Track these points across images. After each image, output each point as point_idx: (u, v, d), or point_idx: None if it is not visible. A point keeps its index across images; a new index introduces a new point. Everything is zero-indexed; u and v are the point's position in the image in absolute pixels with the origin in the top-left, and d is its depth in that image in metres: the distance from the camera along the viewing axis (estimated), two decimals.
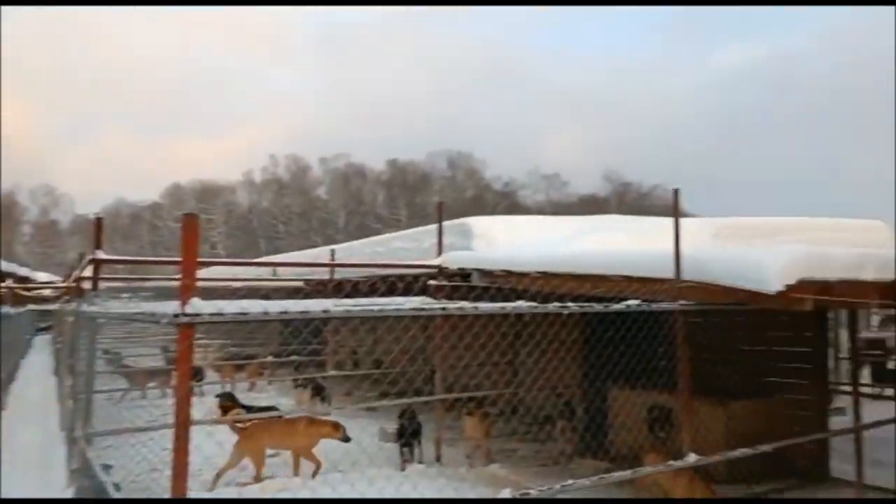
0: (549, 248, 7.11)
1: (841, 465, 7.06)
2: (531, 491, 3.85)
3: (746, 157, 76.67)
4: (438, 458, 7.61)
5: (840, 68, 78.84)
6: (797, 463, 7.04)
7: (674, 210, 4.82)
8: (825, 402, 8.02)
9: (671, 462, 4.65)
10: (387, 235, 11.23)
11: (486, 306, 3.77)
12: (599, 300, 4.36)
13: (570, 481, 4.06)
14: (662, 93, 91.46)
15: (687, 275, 4.70)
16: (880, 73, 74.47)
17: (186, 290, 2.89)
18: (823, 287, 4.47)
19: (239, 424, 6.76)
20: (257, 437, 6.81)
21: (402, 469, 7.17)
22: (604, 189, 69.63)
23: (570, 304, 3.95)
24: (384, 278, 6.59)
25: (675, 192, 4.90)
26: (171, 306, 2.96)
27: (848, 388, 9.43)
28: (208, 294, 3.12)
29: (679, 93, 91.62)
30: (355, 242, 12.09)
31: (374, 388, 10.97)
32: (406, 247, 8.89)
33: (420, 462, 7.51)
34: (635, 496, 6.39)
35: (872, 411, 7.10)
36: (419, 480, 5.72)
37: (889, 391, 10.70)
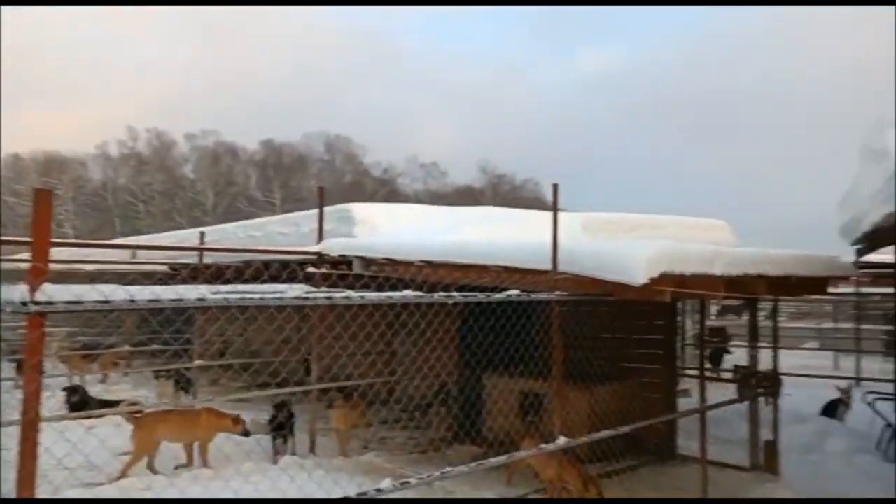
0: (432, 237, 7.17)
1: (686, 442, 7.80)
2: (410, 479, 3.86)
3: (609, 155, 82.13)
4: (313, 449, 7.47)
5: (696, 74, 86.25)
6: (649, 441, 7.63)
7: (553, 205, 5.02)
8: (674, 385, 8.81)
9: (543, 445, 4.87)
10: (263, 219, 10.77)
11: (371, 295, 3.71)
12: (482, 290, 4.45)
13: (449, 468, 4.12)
14: (535, 90, 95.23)
15: (562, 266, 4.93)
16: (734, 82, 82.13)
17: (38, 274, 2.57)
18: (680, 280, 4.87)
19: (134, 415, 6.35)
20: (152, 429, 6.41)
21: (275, 462, 6.96)
22: (479, 180, 71.34)
23: (454, 293, 4.00)
24: (266, 265, 6.32)
25: (555, 187, 5.10)
26: (18, 292, 2.62)
27: (693, 372, 10.43)
28: (58, 278, 2.79)
29: (550, 92, 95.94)
30: (228, 225, 11.45)
31: (253, 379, 10.54)
32: (284, 231, 8.57)
33: (293, 454, 7.34)
34: (508, 479, 6.66)
35: (713, 393, 7.91)
36: (296, 473, 5.55)
37: (727, 374, 11.97)
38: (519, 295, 4.41)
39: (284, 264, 7.29)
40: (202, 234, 9.67)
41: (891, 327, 15.52)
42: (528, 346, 5.42)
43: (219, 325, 11.50)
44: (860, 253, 7.96)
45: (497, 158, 71.46)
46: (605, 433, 5.06)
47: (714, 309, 21.78)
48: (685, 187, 66.32)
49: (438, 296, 3.87)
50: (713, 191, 64.55)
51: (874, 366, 13.91)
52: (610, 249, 5.00)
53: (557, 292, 4.80)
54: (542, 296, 4.69)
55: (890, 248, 8.98)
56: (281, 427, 7.24)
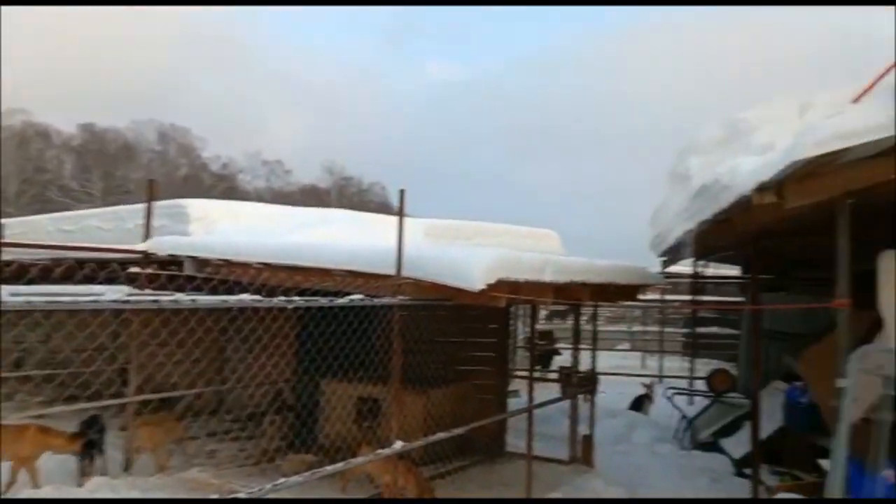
0: (274, 238, 6.90)
1: (514, 440, 8.26)
2: (239, 493, 3.67)
3: (451, 164, 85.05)
4: (127, 468, 6.80)
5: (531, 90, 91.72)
6: (480, 441, 7.94)
7: (399, 210, 5.08)
8: (506, 386, 9.29)
9: (380, 451, 4.88)
10: (79, 212, 9.67)
11: (204, 299, 3.49)
12: (324, 294, 4.37)
13: (282, 479, 3.97)
14: (385, 96, 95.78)
15: (406, 271, 5.00)
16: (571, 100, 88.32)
17: None
18: (515, 286, 5.16)
19: None
20: None
21: (81, 484, 6.22)
22: (325, 181, 69.98)
23: (295, 297, 3.88)
24: (81, 263, 5.64)
25: (402, 193, 5.16)
26: None
27: (522, 374, 11.10)
28: None
29: (400, 99, 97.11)
30: (37, 217, 10.14)
31: (58, 392, 9.34)
32: (104, 227, 7.76)
33: (104, 474, 6.62)
34: (343, 486, 6.58)
35: (541, 392, 8.47)
36: (108, 496, 5.03)
37: (553, 375, 12.89)
38: (362, 299, 4.40)
39: (103, 263, 6.61)
40: (1, 226, 8.49)
41: (688, 330, 17.73)
42: (367, 351, 5.42)
43: (16, 331, 10.11)
44: (665, 264, 9.04)
45: (344, 161, 70.51)
46: (440, 435, 5.19)
47: (543, 313, 23.33)
48: (518, 198, 70.53)
49: (278, 300, 3.74)
50: (543, 202, 69.42)
51: (674, 364, 15.84)
52: (451, 256, 5.16)
53: (400, 297, 4.86)
54: (385, 300, 4.71)
55: (688, 261, 10.31)
56: (91, 445, 6.53)
